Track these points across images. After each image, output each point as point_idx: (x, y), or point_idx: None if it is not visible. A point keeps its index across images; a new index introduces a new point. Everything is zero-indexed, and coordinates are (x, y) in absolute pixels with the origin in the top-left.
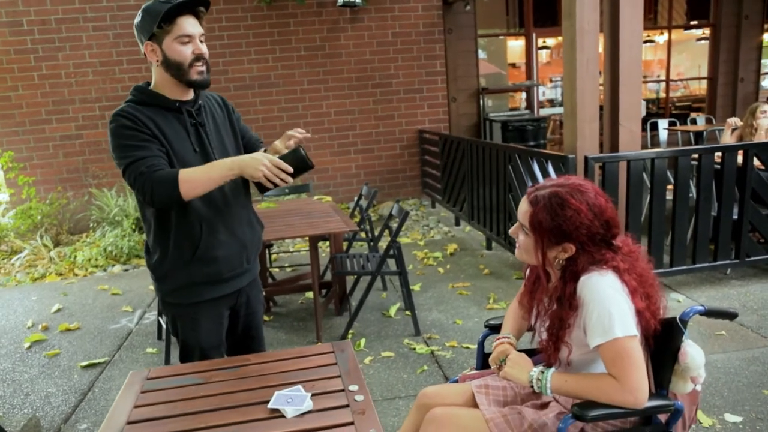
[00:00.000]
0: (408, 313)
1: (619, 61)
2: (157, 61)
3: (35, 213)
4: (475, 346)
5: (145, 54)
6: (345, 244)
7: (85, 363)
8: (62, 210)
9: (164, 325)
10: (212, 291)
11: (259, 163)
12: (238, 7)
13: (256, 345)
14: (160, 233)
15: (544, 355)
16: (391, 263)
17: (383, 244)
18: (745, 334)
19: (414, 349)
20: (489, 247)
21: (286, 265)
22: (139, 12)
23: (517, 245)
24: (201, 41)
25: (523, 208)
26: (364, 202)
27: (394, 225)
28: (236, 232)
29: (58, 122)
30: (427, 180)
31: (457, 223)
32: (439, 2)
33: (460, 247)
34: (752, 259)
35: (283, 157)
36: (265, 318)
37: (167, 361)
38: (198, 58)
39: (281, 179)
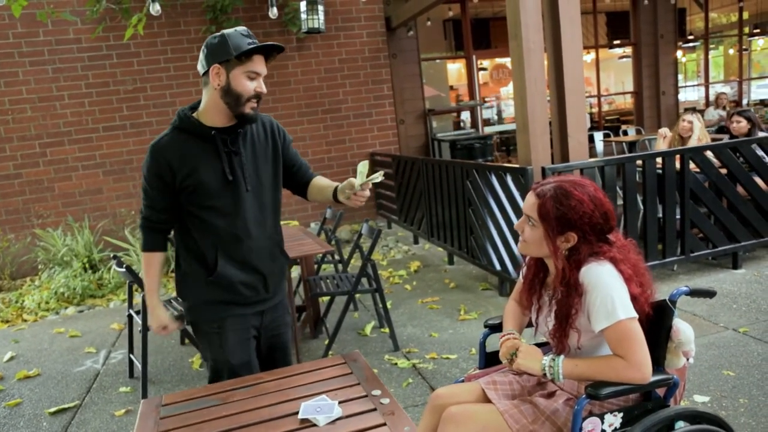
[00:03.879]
0: (384, 330)
1: (563, 77)
2: (218, 85)
3: None
4: (455, 356)
5: (205, 73)
6: (314, 267)
7: (53, 409)
8: (2, 254)
9: (136, 362)
10: (232, 310)
11: (155, 324)
12: (183, 38)
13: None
14: (184, 251)
15: (554, 341)
16: (364, 282)
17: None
18: (699, 322)
19: (396, 364)
20: (451, 262)
21: None
22: (218, 35)
23: (521, 240)
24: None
25: (530, 201)
26: (328, 225)
27: (363, 244)
28: (253, 264)
29: None
30: (381, 201)
31: (416, 242)
32: (383, 28)
33: (422, 264)
34: (695, 254)
35: None
36: None
37: (145, 398)
38: (257, 95)
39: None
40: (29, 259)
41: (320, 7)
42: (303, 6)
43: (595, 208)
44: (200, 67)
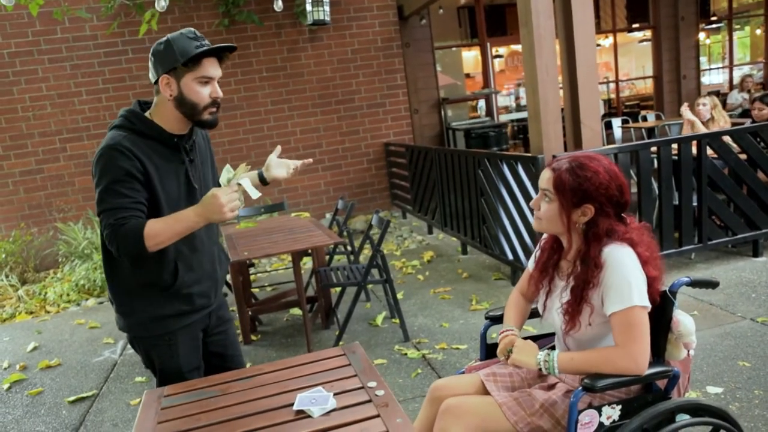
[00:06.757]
0: (395, 320)
1: (576, 64)
2: (171, 96)
3: None
4: (464, 347)
5: (156, 82)
6: (326, 258)
7: (72, 398)
8: (26, 247)
9: None
10: (183, 321)
11: (221, 207)
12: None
13: (236, 363)
14: (132, 270)
15: (566, 318)
16: (375, 273)
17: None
18: (716, 312)
19: (405, 354)
20: (465, 252)
21: (266, 284)
22: (163, 41)
23: (536, 217)
24: (217, 83)
25: (546, 175)
26: (340, 216)
27: (375, 236)
28: (208, 270)
29: (16, 157)
30: (396, 192)
31: (430, 231)
32: (395, 17)
33: (436, 254)
34: (714, 242)
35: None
36: (253, 337)
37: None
38: (214, 102)
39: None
40: (51, 252)
41: None
42: None
43: (611, 179)
44: (151, 76)
